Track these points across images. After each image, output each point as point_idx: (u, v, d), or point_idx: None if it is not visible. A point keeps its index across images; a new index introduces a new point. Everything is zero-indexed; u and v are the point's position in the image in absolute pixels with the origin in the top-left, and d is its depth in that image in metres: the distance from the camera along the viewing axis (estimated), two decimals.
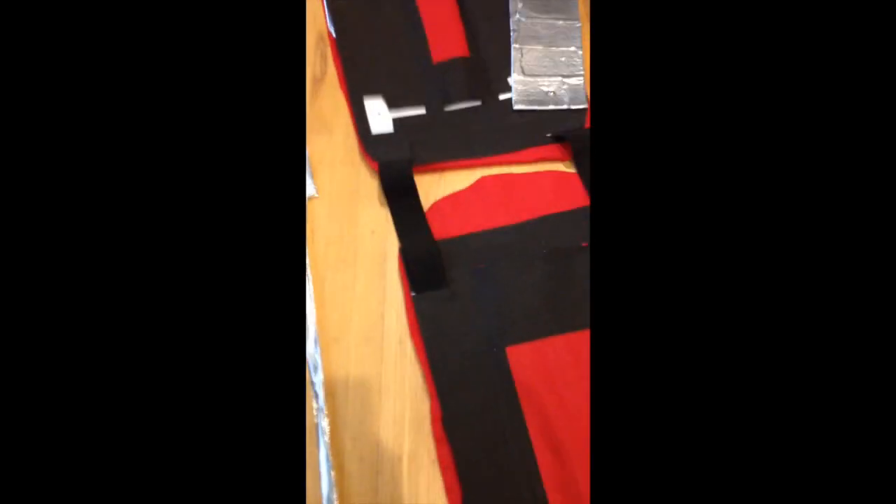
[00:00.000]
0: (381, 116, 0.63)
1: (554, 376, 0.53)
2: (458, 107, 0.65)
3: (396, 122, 0.63)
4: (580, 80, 0.66)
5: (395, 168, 0.60)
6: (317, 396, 0.51)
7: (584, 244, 0.59)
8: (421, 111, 0.64)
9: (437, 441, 0.51)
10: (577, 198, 0.61)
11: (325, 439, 0.49)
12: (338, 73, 0.66)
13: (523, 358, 0.54)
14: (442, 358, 0.54)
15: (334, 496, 0.48)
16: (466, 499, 0.50)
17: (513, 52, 0.66)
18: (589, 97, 0.65)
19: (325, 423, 0.50)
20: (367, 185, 0.61)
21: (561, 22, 0.68)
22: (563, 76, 0.66)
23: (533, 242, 0.59)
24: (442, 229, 0.59)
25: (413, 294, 0.56)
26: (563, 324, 0.55)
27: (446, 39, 0.66)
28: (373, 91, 0.64)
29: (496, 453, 0.51)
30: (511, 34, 0.67)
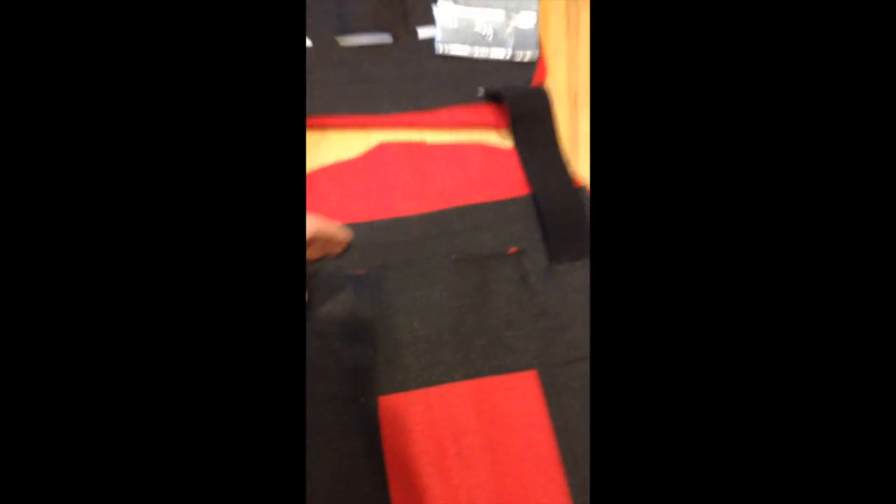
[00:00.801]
0: None
1: (444, 443, 0.36)
2: (359, 41, 0.46)
3: None
4: (532, 20, 0.47)
5: None
6: None
7: (511, 250, 0.41)
8: (305, 44, 0.45)
9: None
10: (511, 183, 0.44)
11: None
12: None
13: (402, 412, 0.37)
14: None
15: None
16: None
17: None
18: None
19: None
20: None
21: None
22: (509, 10, 0.47)
23: (441, 243, 0.41)
24: (313, 213, 0.41)
25: None
26: (468, 365, 0.38)
27: None
28: None
29: None
30: None
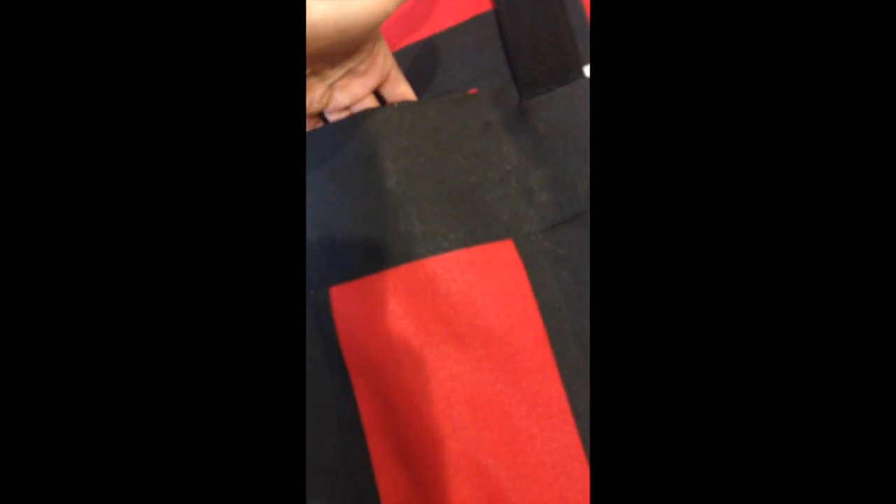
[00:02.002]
0: None
1: (409, 333, 0.31)
2: None
3: None
4: None
5: None
6: None
7: (471, 90, 0.33)
8: None
9: None
10: (469, 5, 0.34)
11: None
12: None
13: (357, 303, 0.31)
14: None
15: None
16: None
17: None
18: None
19: None
20: None
21: None
22: None
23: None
24: None
25: None
26: (429, 241, 0.32)
27: None
28: None
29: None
30: None
